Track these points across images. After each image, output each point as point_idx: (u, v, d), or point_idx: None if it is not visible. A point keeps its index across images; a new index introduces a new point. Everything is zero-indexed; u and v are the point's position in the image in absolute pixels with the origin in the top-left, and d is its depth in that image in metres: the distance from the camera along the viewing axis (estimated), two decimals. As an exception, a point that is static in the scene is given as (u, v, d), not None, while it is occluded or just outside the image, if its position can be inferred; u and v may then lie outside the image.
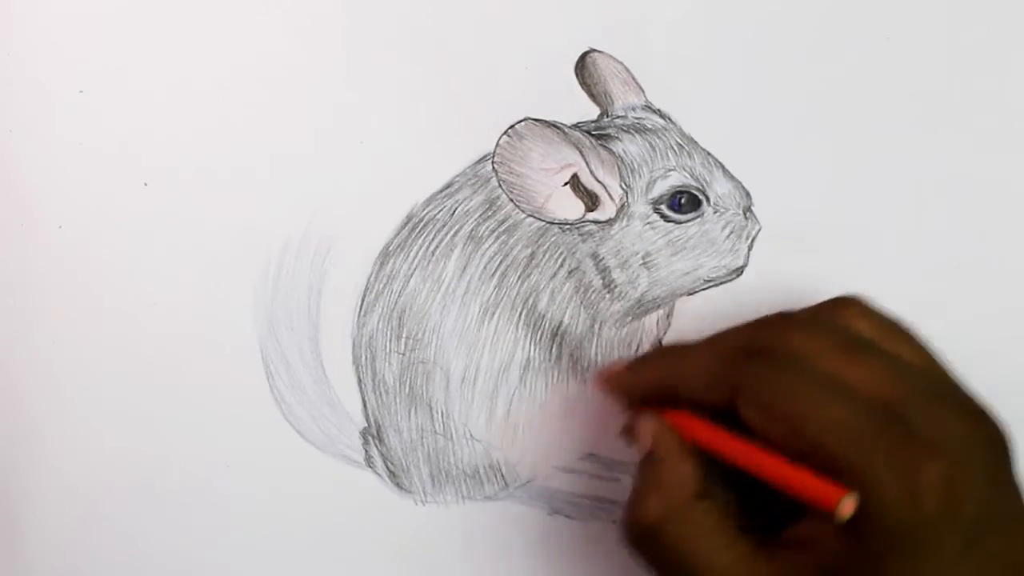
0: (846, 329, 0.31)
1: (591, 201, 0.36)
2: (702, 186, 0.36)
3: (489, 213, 0.37)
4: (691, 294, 0.37)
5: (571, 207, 0.36)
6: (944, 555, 0.27)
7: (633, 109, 0.37)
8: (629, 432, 0.32)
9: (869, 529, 0.27)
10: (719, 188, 0.36)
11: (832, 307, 0.32)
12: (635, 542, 0.30)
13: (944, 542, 0.27)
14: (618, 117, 0.37)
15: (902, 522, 0.27)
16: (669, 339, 0.38)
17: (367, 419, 0.38)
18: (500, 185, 0.37)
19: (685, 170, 0.36)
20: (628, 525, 0.30)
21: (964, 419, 0.29)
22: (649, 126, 0.37)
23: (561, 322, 0.37)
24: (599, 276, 0.37)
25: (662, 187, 0.36)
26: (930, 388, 0.29)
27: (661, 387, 0.31)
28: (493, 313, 0.37)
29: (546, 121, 0.36)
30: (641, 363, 0.33)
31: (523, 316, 0.37)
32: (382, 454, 0.38)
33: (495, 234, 0.37)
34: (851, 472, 0.27)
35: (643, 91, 0.38)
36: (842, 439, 0.27)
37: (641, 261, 0.36)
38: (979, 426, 0.29)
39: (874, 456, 0.27)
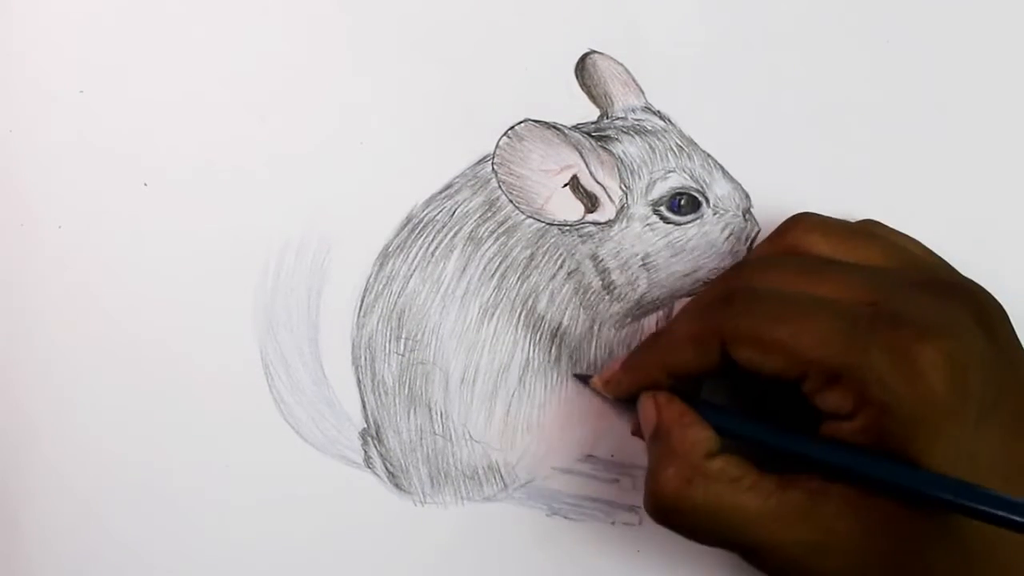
0: (802, 253, 0.31)
1: (591, 202, 0.36)
2: (702, 188, 0.36)
3: (489, 214, 0.37)
4: (690, 295, 0.37)
5: (571, 208, 0.36)
6: (964, 429, 0.27)
7: (633, 111, 0.37)
8: (636, 426, 0.33)
9: (885, 425, 0.27)
10: (719, 190, 0.36)
11: (781, 233, 0.33)
12: (661, 517, 0.30)
13: (960, 416, 0.27)
14: (618, 119, 0.37)
15: (914, 406, 0.27)
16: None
17: (366, 420, 0.38)
18: (500, 186, 0.37)
19: (685, 172, 0.36)
20: (650, 502, 0.30)
21: (950, 296, 0.29)
22: (649, 128, 0.37)
23: (560, 323, 0.37)
24: (598, 277, 0.37)
25: (662, 188, 0.36)
26: (906, 280, 0.30)
27: (657, 371, 0.32)
28: (492, 314, 0.37)
29: (546, 122, 0.36)
30: (632, 357, 0.34)
31: (522, 317, 0.37)
32: (381, 455, 0.38)
33: (495, 235, 0.37)
34: (854, 374, 0.27)
35: (643, 92, 0.38)
36: (835, 346, 0.28)
37: (640, 262, 0.36)
38: (966, 299, 0.29)
39: (870, 352, 0.27)
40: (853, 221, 0.34)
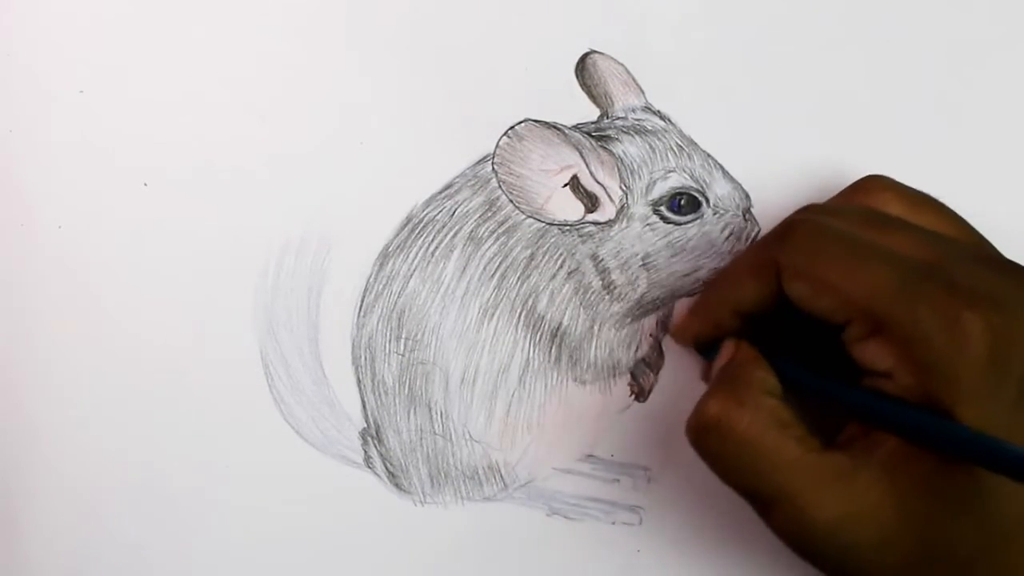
0: (872, 209, 0.31)
1: (591, 202, 0.36)
2: (702, 187, 0.36)
3: (489, 214, 0.37)
4: (691, 295, 0.37)
5: (571, 208, 0.36)
6: (1001, 404, 0.27)
7: (633, 110, 0.37)
8: (705, 371, 0.34)
9: (924, 384, 0.27)
10: (719, 190, 0.36)
11: (855, 189, 0.33)
12: (700, 435, 0.30)
13: (999, 391, 0.27)
14: (618, 118, 0.37)
15: (956, 370, 0.27)
16: (668, 341, 0.38)
17: (366, 420, 0.38)
18: (500, 186, 0.37)
19: (685, 171, 0.36)
20: (693, 418, 0.30)
21: (1004, 274, 0.29)
22: (649, 127, 0.37)
23: (560, 323, 0.37)
24: (599, 277, 0.37)
25: (662, 188, 0.36)
26: (967, 251, 0.30)
27: (722, 308, 0.32)
28: (492, 314, 0.37)
29: (546, 122, 0.36)
30: (698, 298, 0.34)
31: (522, 317, 0.37)
32: (381, 455, 0.38)
33: (495, 235, 0.37)
34: (898, 328, 0.27)
35: (643, 92, 0.38)
36: (885, 296, 0.28)
37: (641, 262, 0.36)
38: (1020, 280, 0.29)
39: (918, 309, 0.27)
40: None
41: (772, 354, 0.32)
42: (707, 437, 0.30)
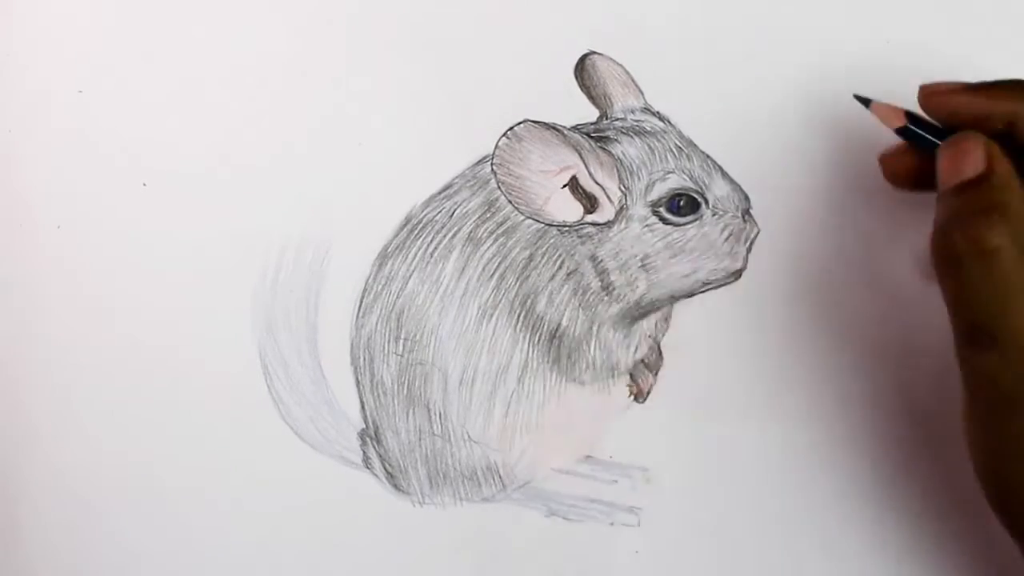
0: None
1: (590, 203, 0.36)
2: (701, 189, 0.36)
3: (488, 215, 0.37)
4: (690, 296, 0.37)
5: (570, 209, 0.36)
6: None
7: (632, 111, 0.37)
8: (947, 167, 0.31)
9: None
10: (718, 191, 0.36)
11: None
12: (957, 258, 0.29)
13: None
14: (617, 119, 0.37)
15: None
16: (668, 342, 0.38)
17: (365, 420, 0.38)
18: (499, 187, 0.37)
19: (684, 173, 0.36)
20: (957, 237, 0.29)
21: None
22: (648, 128, 0.37)
23: (559, 324, 0.37)
24: (597, 278, 0.37)
25: (661, 190, 0.36)
26: None
27: (1005, 106, 0.31)
28: (491, 315, 0.37)
29: (545, 123, 0.36)
30: (979, 87, 0.32)
31: (521, 318, 0.37)
32: (380, 455, 0.38)
33: (494, 236, 0.37)
34: None
35: (642, 93, 0.38)
36: None
37: (640, 263, 0.36)
38: None
39: None
40: None
41: None
42: (971, 265, 0.28)
